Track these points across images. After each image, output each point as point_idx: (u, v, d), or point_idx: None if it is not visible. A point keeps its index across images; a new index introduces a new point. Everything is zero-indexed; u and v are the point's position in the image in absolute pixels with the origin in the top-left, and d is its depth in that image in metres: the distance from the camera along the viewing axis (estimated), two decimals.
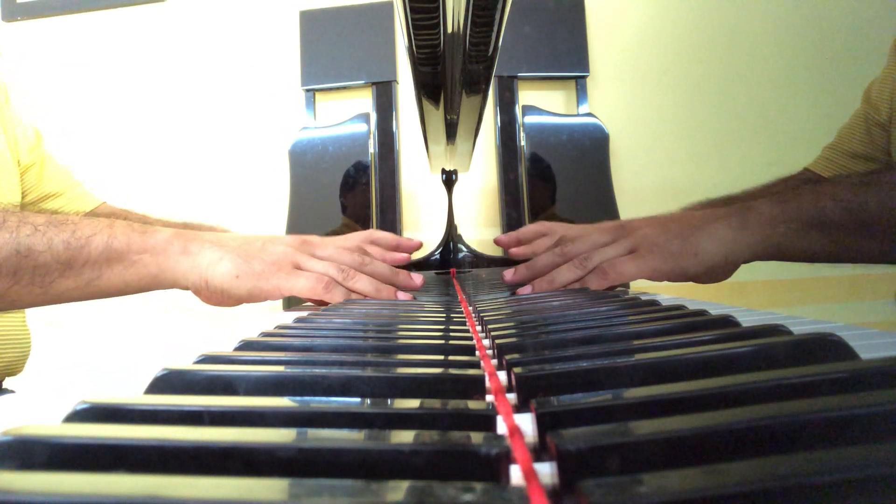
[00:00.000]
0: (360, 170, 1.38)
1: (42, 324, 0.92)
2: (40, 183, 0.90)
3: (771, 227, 0.52)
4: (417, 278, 0.60)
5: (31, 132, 0.90)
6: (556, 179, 1.37)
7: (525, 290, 0.56)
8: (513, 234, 0.65)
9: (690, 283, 0.57)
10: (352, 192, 1.37)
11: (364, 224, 1.35)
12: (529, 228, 0.66)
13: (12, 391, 0.80)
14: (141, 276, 0.52)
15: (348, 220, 1.35)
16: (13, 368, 0.81)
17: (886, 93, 0.85)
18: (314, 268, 0.55)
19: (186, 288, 0.54)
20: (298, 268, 0.55)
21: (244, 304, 0.58)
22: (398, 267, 0.61)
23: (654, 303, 0.41)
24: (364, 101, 1.47)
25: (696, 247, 0.53)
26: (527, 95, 1.45)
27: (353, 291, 0.55)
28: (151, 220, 0.78)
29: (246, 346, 0.30)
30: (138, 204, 1.01)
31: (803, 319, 0.34)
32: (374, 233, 0.64)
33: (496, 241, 0.64)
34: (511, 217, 1.36)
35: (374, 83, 1.44)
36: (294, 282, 0.53)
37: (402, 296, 0.56)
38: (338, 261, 0.57)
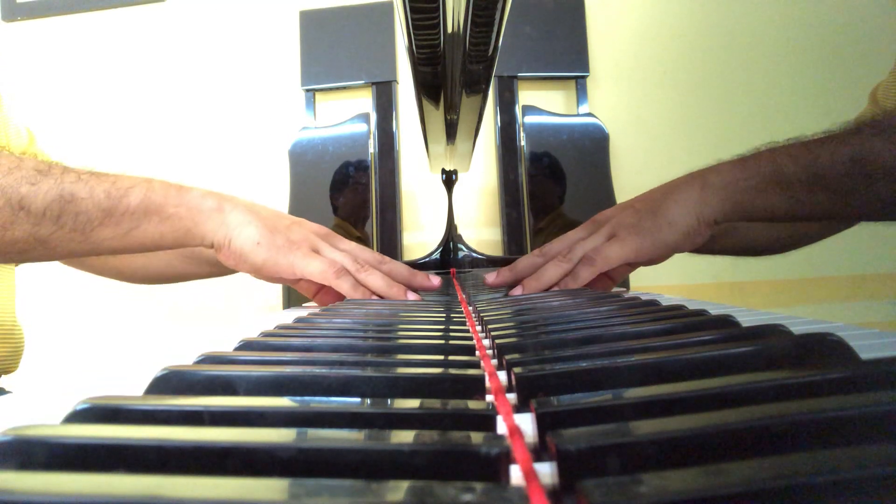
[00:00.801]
0: (360, 170, 1.38)
1: (43, 324, 0.92)
2: None
3: (732, 184, 0.53)
4: (435, 279, 0.60)
5: (23, 132, 0.90)
6: (557, 179, 1.37)
7: (516, 292, 0.56)
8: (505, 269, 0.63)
9: (690, 284, 0.57)
10: (352, 192, 1.37)
11: (364, 224, 1.35)
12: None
13: (9, 391, 0.80)
14: (175, 229, 0.53)
15: (347, 220, 1.35)
16: (7, 366, 0.81)
17: (893, 94, 0.85)
18: (332, 256, 0.55)
19: (211, 244, 0.55)
20: (317, 252, 0.55)
21: (244, 305, 0.58)
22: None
23: (653, 303, 0.41)
24: (364, 101, 1.47)
25: (667, 216, 0.54)
26: (527, 95, 1.45)
27: (364, 285, 0.55)
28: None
29: (246, 346, 0.30)
30: None
31: (803, 319, 0.34)
32: (390, 260, 0.62)
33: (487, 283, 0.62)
34: (511, 217, 1.36)
35: (374, 83, 1.44)
36: (308, 262, 0.54)
37: (411, 296, 0.56)
38: (358, 255, 0.57)
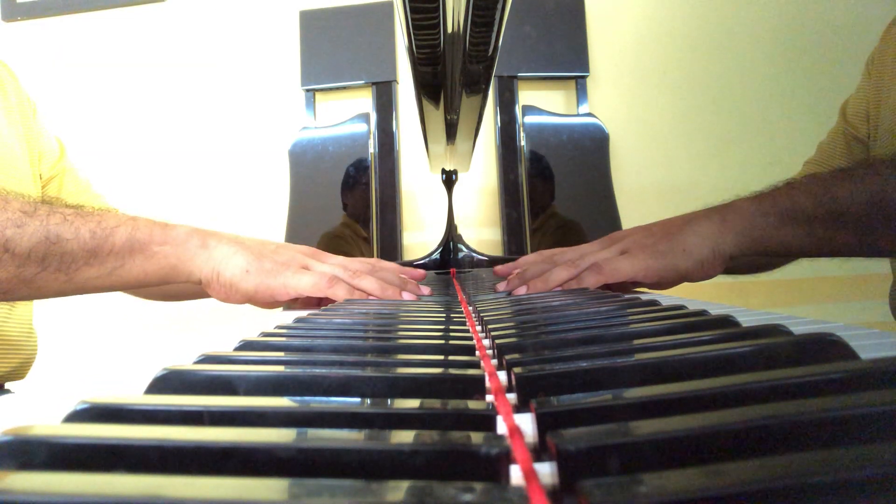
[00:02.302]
0: (360, 170, 1.38)
1: (43, 324, 0.92)
2: (59, 196, 0.90)
3: (750, 220, 0.53)
4: (425, 290, 0.60)
5: (54, 145, 0.90)
6: (556, 179, 1.37)
7: (520, 291, 0.56)
8: (510, 264, 0.65)
9: (690, 284, 0.57)
10: (352, 192, 1.37)
11: (364, 224, 1.35)
12: (527, 258, 0.66)
13: (11, 391, 0.80)
14: (160, 267, 0.53)
15: (348, 219, 1.35)
16: (18, 373, 0.81)
17: (863, 109, 0.86)
18: (322, 269, 0.56)
19: (199, 281, 0.55)
20: (306, 269, 0.56)
21: (244, 304, 0.58)
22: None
23: (654, 303, 0.41)
24: (364, 101, 1.47)
25: (684, 243, 0.54)
26: (527, 95, 1.45)
27: (359, 290, 0.56)
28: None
29: (246, 346, 0.30)
30: (138, 204, 1.01)
31: (803, 319, 0.34)
32: (379, 261, 0.64)
33: (496, 272, 0.64)
34: (511, 217, 1.36)
35: (374, 83, 1.44)
36: (299, 279, 0.54)
37: (406, 295, 0.57)
38: (347, 265, 0.58)
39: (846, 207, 0.50)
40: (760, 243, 0.53)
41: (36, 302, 0.84)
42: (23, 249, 0.48)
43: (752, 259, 0.79)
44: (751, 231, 0.53)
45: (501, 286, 0.61)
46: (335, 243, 1.25)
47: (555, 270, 0.56)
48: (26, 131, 0.84)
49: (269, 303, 0.58)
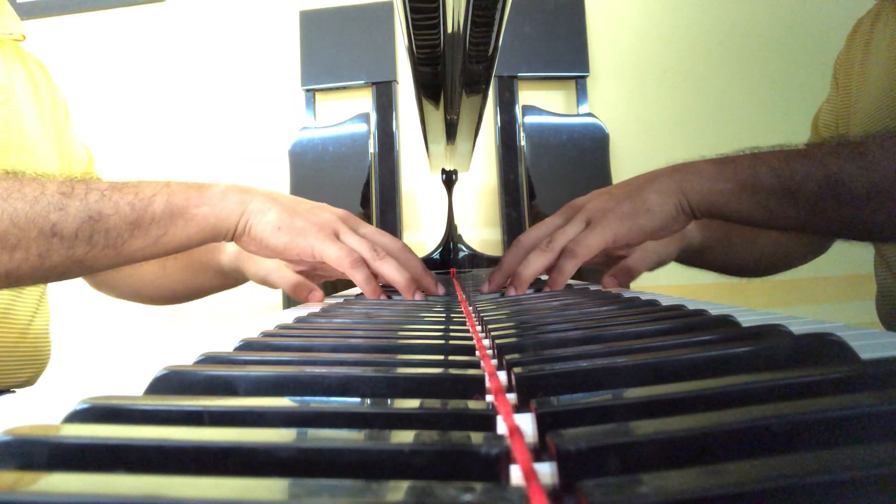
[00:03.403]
0: (360, 170, 1.38)
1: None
2: None
3: (709, 184, 0.54)
4: (440, 289, 0.60)
5: (83, 153, 0.90)
6: (556, 179, 1.37)
7: (509, 293, 0.56)
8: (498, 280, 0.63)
9: (690, 284, 0.57)
10: (352, 192, 1.37)
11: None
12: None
13: (13, 391, 0.80)
14: (202, 228, 0.54)
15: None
16: (30, 382, 0.81)
17: (832, 121, 0.85)
18: (350, 242, 0.56)
19: (234, 236, 0.56)
20: (337, 236, 0.56)
21: (245, 305, 0.58)
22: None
23: (653, 303, 0.41)
24: (364, 101, 1.47)
25: (646, 202, 0.54)
26: (527, 95, 1.45)
27: (379, 273, 0.55)
28: None
29: (246, 346, 0.30)
30: None
31: (803, 319, 0.34)
32: (407, 248, 0.63)
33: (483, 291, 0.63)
34: (511, 217, 1.36)
35: (374, 83, 1.44)
36: (327, 246, 0.55)
37: (418, 296, 0.56)
38: (376, 241, 0.58)
39: (801, 185, 0.51)
40: (716, 207, 0.54)
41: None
42: (70, 231, 0.49)
43: (722, 251, 0.78)
44: (709, 194, 0.54)
45: (484, 287, 0.60)
46: None
47: (529, 259, 0.56)
48: (58, 136, 0.83)
49: (296, 261, 0.58)
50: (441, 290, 0.60)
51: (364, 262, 0.55)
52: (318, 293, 0.67)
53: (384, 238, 0.59)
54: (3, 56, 0.76)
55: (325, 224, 0.56)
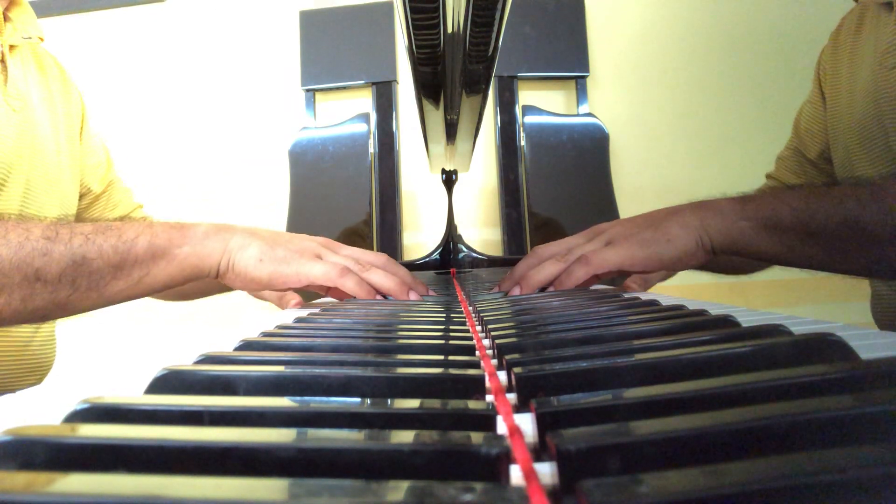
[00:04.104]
0: (360, 170, 1.38)
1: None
2: (106, 213, 0.91)
3: (731, 222, 0.55)
4: (430, 292, 0.62)
5: (101, 156, 0.90)
6: (556, 179, 1.37)
7: (514, 291, 0.57)
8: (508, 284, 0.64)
9: (690, 284, 0.57)
10: (352, 191, 1.37)
11: (364, 224, 1.35)
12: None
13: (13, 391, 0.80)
14: (183, 268, 0.55)
15: (348, 220, 1.35)
16: (34, 384, 0.81)
17: (816, 127, 0.85)
18: (333, 259, 0.57)
19: (218, 274, 0.57)
20: (319, 258, 0.56)
21: (245, 305, 0.59)
22: None
23: (653, 303, 0.41)
24: (364, 101, 1.47)
25: (668, 233, 0.55)
26: (527, 95, 1.45)
27: (369, 283, 0.56)
28: None
29: (246, 346, 0.30)
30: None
31: (803, 319, 0.34)
32: (391, 259, 0.64)
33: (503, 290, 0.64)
34: (511, 217, 1.36)
35: (374, 83, 1.44)
36: (311, 267, 0.56)
37: (413, 295, 0.57)
38: (359, 258, 0.59)
39: (822, 225, 0.52)
40: (737, 245, 0.55)
41: None
42: (53, 276, 0.50)
43: (728, 260, 0.80)
44: (730, 231, 0.55)
45: (496, 288, 0.61)
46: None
47: (544, 265, 0.56)
48: (70, 142, 0.82)
49: (283, 290, 0.59)
50: (429, 293, 0.61)
51: (351, 271, 0.56)
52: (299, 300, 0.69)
53: (367, 255, 0.61)
54: (21, 60, 0.75)
55: (306, 249, 0.57)
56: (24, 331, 0.76)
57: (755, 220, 0.54)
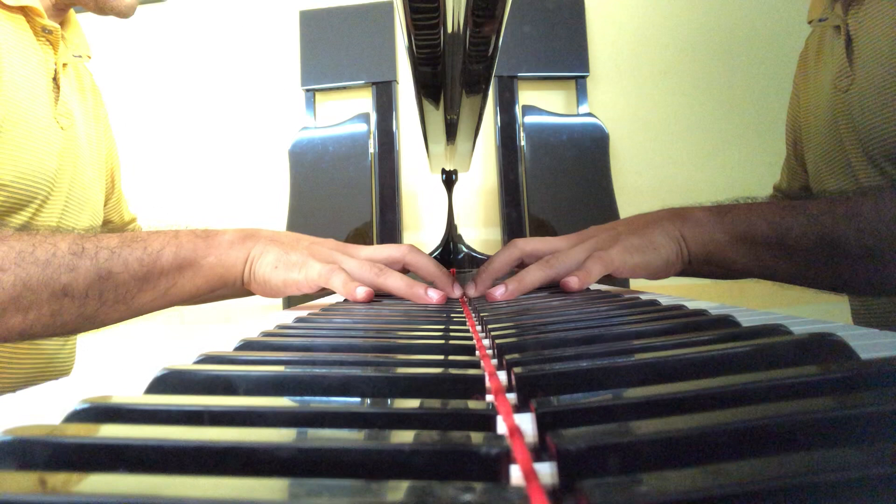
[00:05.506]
0: (360, 170, 1.38)
1: None
2: (117, 214, 0.91)
3: (706, 233, 0.55)
4: (457, 289, 0.60)
5: (114, 162, 0.90)
6: (556, 179, 1.37)
7: (497, 292, 0.55)
8: (486, 280, 0.61)
9: (690, 284, 0.57)
10: (352, 192, 1.37)
11: (365, 224, 1.35)
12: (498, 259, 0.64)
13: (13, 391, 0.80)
14: (209, 278, 0.55)
15: (348, 220, 1.35)
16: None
17: (790, 128, 0.85)
18: (350, 266, 0.56)
19: (244, 283, 0.56)
20: (333, 262, 0.56)
21: (245, 305, 0.59)
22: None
23: (653, 303, 0.41)
24: (364, 101, 1.47)
25: (653, 241, 0.55)
26: (527, 95, 1.45)
27: (384, 289, 0.55)
28: None
29: (246, 345, 0.30)
30: (137, 204, 1.01)
31: (803, 319, 0.34)
32: (414, 248, 0.61)
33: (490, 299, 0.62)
34: (511, 217, 1.36)
35: (374, 83, 1.44)
36: (321, 270, 0.55)
37: (433, 294, 0.55)
38: (375, 257, 0.58)
39: (796, 241, 0.52)
40: (712, 256, 0.55)
41: None
42: (80, 291, 0.50)
43: (701, 268, 0.80)
44: (706, 244, 0.55)
45: (470, 289, 0.59)
46: None
47: (529, 270, 0.55)
48: (98, 154, 0.82)
49: (299, 294, 0.58)
50: (458, 292, 0.59)
51: (339, 269, 0.54)
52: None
53: (385, 250, 0.59)
54: (69, 79, 0.75)
55: (320, 254, 0.56)
56: (54, 343, 0.76)
57: (731, 234, 0.54)
